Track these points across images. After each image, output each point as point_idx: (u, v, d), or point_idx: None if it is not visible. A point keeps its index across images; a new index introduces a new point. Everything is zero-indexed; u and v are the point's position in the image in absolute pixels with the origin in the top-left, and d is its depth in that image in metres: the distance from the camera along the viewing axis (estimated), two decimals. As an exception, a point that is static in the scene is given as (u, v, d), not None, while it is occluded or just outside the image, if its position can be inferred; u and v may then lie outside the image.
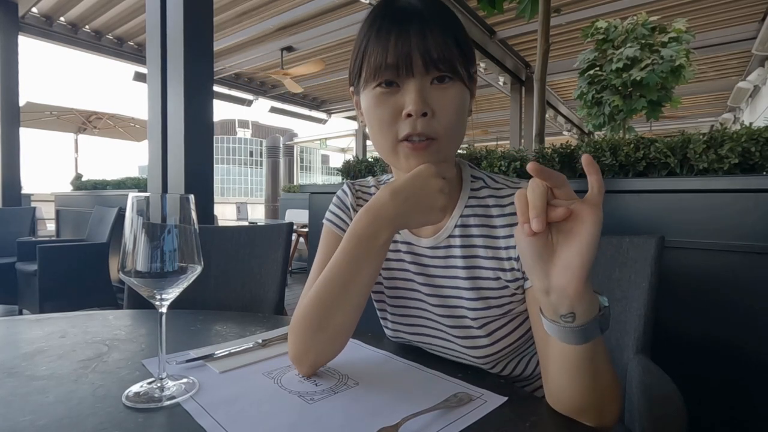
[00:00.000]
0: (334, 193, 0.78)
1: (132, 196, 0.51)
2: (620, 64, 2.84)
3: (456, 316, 0.64)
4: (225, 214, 10.76)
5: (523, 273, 0.60)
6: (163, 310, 0.54)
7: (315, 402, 0.52)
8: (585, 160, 0.41)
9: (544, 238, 0.43)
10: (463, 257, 0.63)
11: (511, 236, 0.61)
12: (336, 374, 0.60)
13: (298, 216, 5.82)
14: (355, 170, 2.17)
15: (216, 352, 0.66)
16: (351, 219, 0.71)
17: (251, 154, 69.91)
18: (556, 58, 5.69)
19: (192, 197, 0.54)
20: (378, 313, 0.75)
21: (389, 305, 0.71)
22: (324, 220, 0.74)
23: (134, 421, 0.47)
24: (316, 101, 8.86)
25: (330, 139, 14.30)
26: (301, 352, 0.59)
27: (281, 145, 10.13)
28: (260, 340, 0.72)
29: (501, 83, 6.29)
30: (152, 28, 2.03)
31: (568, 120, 9.22)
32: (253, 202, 13.17)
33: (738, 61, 5.96)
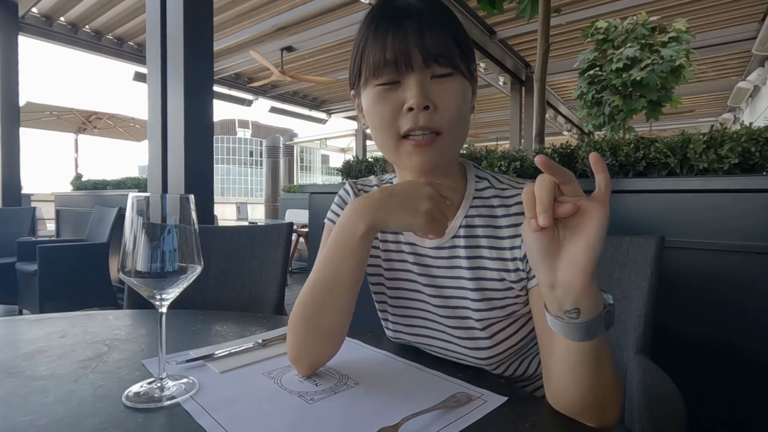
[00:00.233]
0: (335, 193, 0.78)
1: (132, 196, 0.51)
2: (620, 64, 2.84)
3: (459, 317, 0.64)
4: (225, 214, 10.76)
5: (528, 273, 0.60)
6: (163, 310, 0.54)
7: (315, 402, 0.52)
8: (593, 158, 0.42)
9: (550, 234, 0.43)
10: (468, 258, 0.63)
11: (517, 236, 0.61)
12: (336, 374, 0.60)
13: (298, 216, 5.82)
14: (356, 170, 2.17)
15: (216, 352, 0.66)
16: None
17: (251, 154, 69.93)
18: (556, 58, 5.69)
19: (192, 197, 0.54)
20: (379, 314, 0.75)
21: (390, 306, 0.71)
22: (325, 220, 0.74)
23: (134, 421, 0.47)
24: (316, 101, 8.87)
25: (330, 139, 14.30)
26: (298, 352, 0.59)
27: (281, 145, 10.13)
28: (260, 340, 0.72)
29: (501, 83, 6.29)
30: (152, 28, 2.03)
31: (568, 120, 9.22)
32: (253, 202, 13.17)
33: (738, 61, 5.96)
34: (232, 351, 0.67)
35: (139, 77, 5.89)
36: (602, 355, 0.47)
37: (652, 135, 1.39)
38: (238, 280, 1.21)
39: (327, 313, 0.58)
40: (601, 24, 3.05)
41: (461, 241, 0.64)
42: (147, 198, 0.52)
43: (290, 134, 11.53)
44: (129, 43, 5.63)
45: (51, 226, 6.33)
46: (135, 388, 0.53)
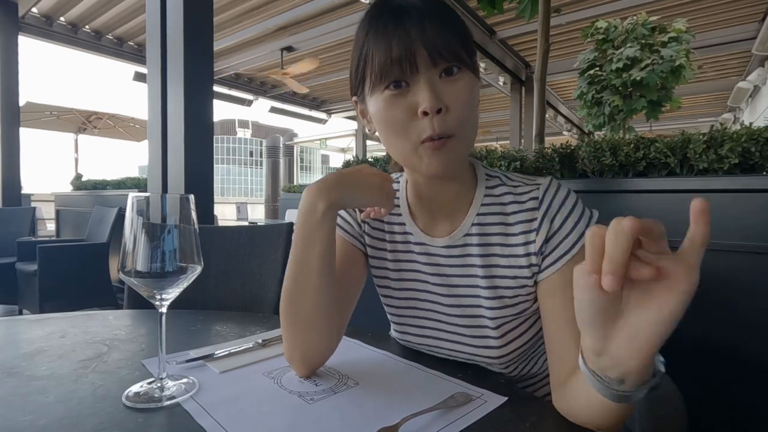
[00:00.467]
0: None
1: (132, 196, 0.51)
2: (620, 64, 2.84)
3: (471, 316, 0.64)
4: (225, 214, 10.77)
5: (540, 266, 0.60)
6: (163, 310, 0.54)
7: (315, 402, 0.52)
8: (697, 206, 0.32)
9: (612, 296, 0.35)
10: (481, 256, 0.63)
11: (531, 231, 0.60)
12: (336, 374, 0.60)
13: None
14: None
15: (216, 352, 0.66)
16: (355, 220, 0.71)
17: (251, 154, 69.93)
18: (556, 58, 5.69)
19: (192, 197, 0.54)
20: (388, 316, 0.75)
21: (397, 307, 0.71)
22: None
23: (134, 421, 0.47)
24: (316, 101, 8.87)
25: (330, 139, 14.30)
26: (289, 348, 0.60)
27: (281, 145, 10.14)
28: (260, 340, 0.72)
29: (501, 83, 6.29)
30: (152, 28, 2.03)
31: (568, 120, 9.22)
32: (253, 202, 13.18)
33: (738, 61, 5.96)
34: (232, 351, 0.67)
35: (139, 77, 5.88)
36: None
37: (652, 135, 1.39)
38: (238, 280, 1.21)
39: (303, 300, 0.58)
40: (601, 24, 3.05)
41: (474, 239, 0.63)
42: (147, 198, 0.52)
43: (290, 134, 11.53)
44: (129, 43, 5.63)
45: (51, 226, 6.33)
46: (135, 388, 0.53)
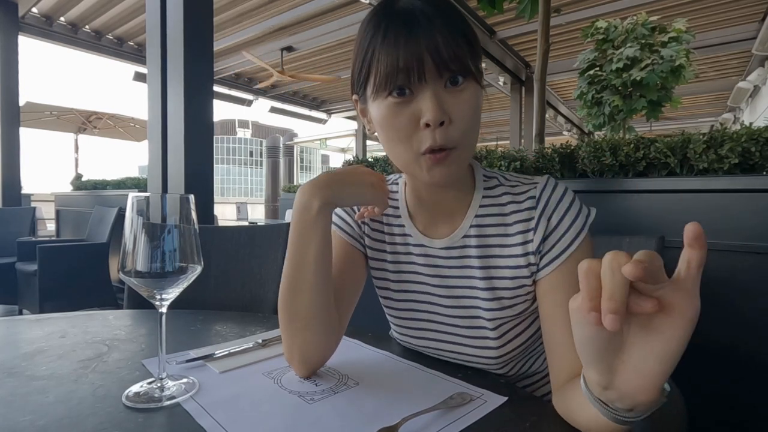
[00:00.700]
0: None
1: (132, 196, 0.51)
2: (620, 64, 2.84)
3: (470, 317, 0.64)
4: (225, 214, 10.77)
5: (538, 265, 0.60)
6: (163, 310, 0.54)
7: (315, 402, 0.52)
8: (691, 231, 0.29)
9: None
10: (479, 257, 0.63)
11: (528, 231, 0.60)
12: (336, 374, 0.60)
13: (298, 216, 5.80)
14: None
15: (216, 352, 0.66)
16: (355, 221, 0.71)
17: (251, 154, 69.93)
18: (556, 58, 5.69)
19: (192, 197, 0.54)
20: (388, 317, 0.75)
21: (396, 308, 0.71)
22: None
23: (134, 421, 0.47)
24: (316, 101, 8.87)
25: (330, 139, 14.30)
26: (288, 350, 0.60)
27: (281, 145, 10.14)
28: (260, 340, 0.72)
29: (501, 83, 6.29)
30: (152, 28, 2.03)
31: (568, 120, 9.22)
32: (253, 202, 13.18)
33: (738, 61, 5.96)
34: (232, 351, 0.67)
35: (139, 77, 5.89)
36: None
37: (652, 135, 1.39)
38: (238, 280, 1.21)
39: (300, 299, 0.58)
40: (601, 24, 3.05)
41: (472, 241, 0.63)
42: (147, 198, 0.52)
43: (290, 134, 11.54)
44: (129, 43, 5.63)
45: (51, 226, 6.33)
46: (135, 388, 0.53)
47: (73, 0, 4.50)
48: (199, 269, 0.54)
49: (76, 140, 7.78)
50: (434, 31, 0.52)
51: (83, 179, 4.87)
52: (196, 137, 1.95)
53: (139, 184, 4.17)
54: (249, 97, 7.88)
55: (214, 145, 2.93)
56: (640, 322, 0.33)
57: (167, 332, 0.56)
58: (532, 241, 0.60)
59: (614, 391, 0.36)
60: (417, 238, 0.67)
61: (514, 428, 0.46)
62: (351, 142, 13.07)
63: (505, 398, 0.52)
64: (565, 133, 9.70)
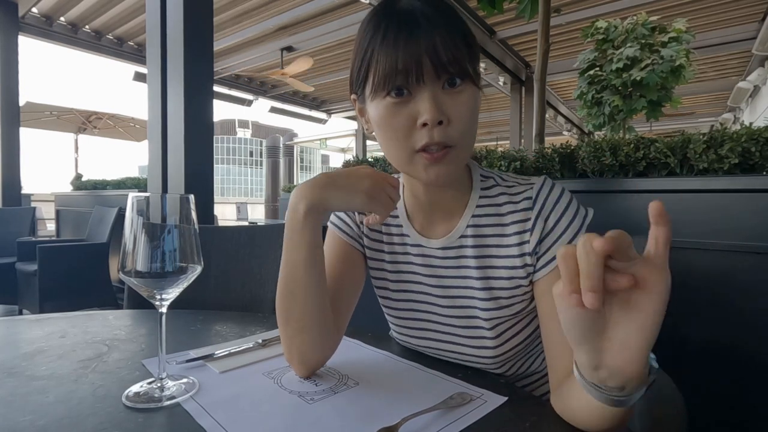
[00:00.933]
0: None
1: (132, 196, 0.51)
2: (620, 64, 2.84)
3: (467, 317, 0.64)
4: (225, 214, 10.77)
5: (535, 266, 0.60)
6: (163, 310, 0.54)
7: (315, 402, 0.52)
8: (654, 208, 0.33)
9: (596, 310, 0.36)
10: (476, 257, 0.63)
11: (525, 232, 0.60)
12: (336, 374, 0.60)
13: (298, 216, 5.80)
14: (355, 170, 2.17)
15: (216, 352, 0.66)
16: (354, 221, 0.71)
17: (251, 154, 69.92)
18: (556, 58, 5.69)
19: (192, 197, 0.54)
20: (387, 317, 0.75)
21: (395, 308, 0.71)
22: (328, 223, 0.73)
23: (134, 421, 0.47)
24: (316, 101, 8.86)
25: (330, 139, 14.30)
26: (287, 351, 0.60)
27: (281, 145, 10.13)
28: (260, 340, 0.72)
29: (501, 83, 6.29)
30: (152, 28, 2.03)
31: (568, 120, 9.22)
32: (253, 202, 13.18)
33: (738, 61, 5.96)
34: (232, 351, 0.67)
35: (139, 77, 5.88)
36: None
37: (652, 135, 1.39)
38: (238, 280, 1.21)
39: (293, 301, 0.58)
40: (601, 24, 3.05)
41: (469, 241, 0.63)
42: (147, 198, 0.52)
43: (290, 134, 11.53)
44: (129, 43, 5.63)
45: (51, 226, 6.33)
46: (135, 388, 0.53)
47: (73, 0, 4.50)
48: (199, 269, 0.54)
49: (76, 140, 7.78)
50: (433, 32, 0.52)
51: (83, 179, 4.87)
52: (196, 137, 1.95)
53: (139, 184, 4.17)
54: (249, 97, 7.87)
55: (214, 145, 2.93)
56: (620, 301, 0.35)
57: (167, 332, 0.56)
58: (528, 242, 0.60)
59: (604, 369, 0.38)
60: (414, 238, 0.67)
61: (514, 428, 0.46)
62: (351, 142, 13.07)
63: (505, 398, 0.52)
64: (565, 133, 9.70)
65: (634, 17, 3.00)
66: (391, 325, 0.75)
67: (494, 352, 0.63)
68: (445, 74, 0.53)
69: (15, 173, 4.27)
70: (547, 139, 2.44)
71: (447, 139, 0.54)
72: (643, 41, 2.86)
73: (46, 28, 4.91)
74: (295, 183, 9.07)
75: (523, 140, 6.25)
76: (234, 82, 7.30)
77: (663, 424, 0.63)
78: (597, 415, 0.43)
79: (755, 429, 1.10)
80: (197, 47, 1.95)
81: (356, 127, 10.32)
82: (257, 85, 7.65)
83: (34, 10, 4.64)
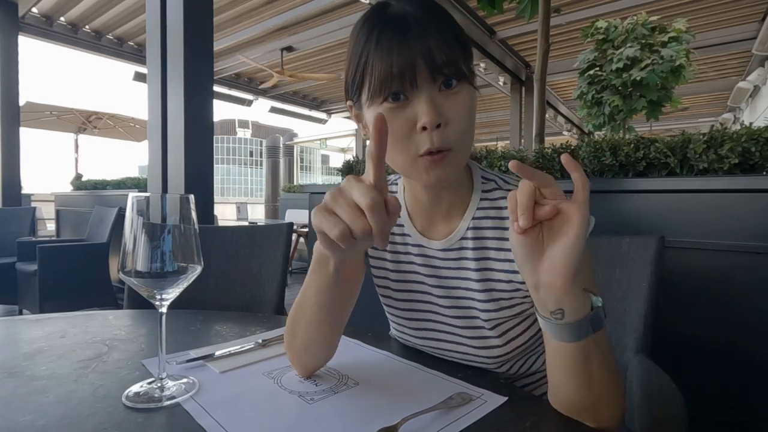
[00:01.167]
0: None
1: (132, 196, 0.51)
2: (620, 64, 2.84)
3: (468, 317, 0.64)
4: (225, 214, 10.76)
5: None
6: (163, 310, 0.54)
7: (315, 402, 0.52)
8: (564, 159, 0.42)
9: (534, 237, 0.44)
10: (476, 259, 0.63)
11: None
12: (336, 374, 0.60)
13: (298, 216, 5.82)
14: (356, 170, 2.17)
15: (216, 352, 0.66)
16: None
17: (251, 154, 69.90)
18: (556, 58, 5.69)
19: (192, 197, 0.54)
20: (388, 317, 0.75)
21: (396, 308, 0.71)
22: None
23: (134, 421, 0.47)
24: (316, 101, 8.87)
25: (330, 139, 14.31)
26: (288, 352, 0.62)
27: (281, 145, 10.13)
28: (260, 340, 0.72)
29: (501, 83, 6.29)
30: (152, 28, 2.03)
31: (568, 120, 9.22)
32: (253, 202, 13.18)
33: (738, 61, 5.96)
34: (232, 351, 0.67)
35: (139, 77, 5.88)
36: (592, 356, 0.47)
37: (652, 135, 1.39)
38: (238, 280, 1.21)
39: (298, 327, 0.59)
40: (601, 24, 3.05)
41: (469, 243, 0.63)
42: (147, 198, 0.51)
43: (290, 134, 11.53)
44: (129, 43, 5.63)
45: (51, 226, 6.33)
46: (135, 388, 0.53)
47: (73, 0, 4.50)
48: (199, 269, 0.54)
49: (76, 140, 7.78)
50: (427, 35, 0.52)
51: (83, 179, 4.88)
52: (196, 137, 1.95)
53: (139, 184, 4.17)
54: (249, 97, 7.87)
55: (214, 145, 2.93)
56: (550, 231, 0.44)
57: (167, 332, 0.56)
58: None
59: (541, 288, 0.45)
60: (415, 239, 0.67)
61: (514, 428, 0.46)
62: (351, 142, 13.07)
63: (505, 398, 0.52)
64: (565, 133, 9.70)
65: (634, 17, 3.00)
66: (392, 324, 0.75)
67: (499, 351, 0.63)
68: (441, 76, 0.53)
69: (15, 173, 4.27)
70: (547, 139, 2.44)
71: (445, 143, 0.54)
72: (643, 41, 2.87)
73: (46, 28, 4.91)
74: (295, 183, 9.08)
75: (523, 140, 6.25)
76: (234, 82, 7.30)
77: (663, 424, 0.63)
78: (560, 364, 0.48)
79: (755, 429, 1.10)
80: (197, 47, 1.95)
81: (356, 127, 10.31)
82: (264, 86, 7.64)
83: (34, 10, 4.64)
